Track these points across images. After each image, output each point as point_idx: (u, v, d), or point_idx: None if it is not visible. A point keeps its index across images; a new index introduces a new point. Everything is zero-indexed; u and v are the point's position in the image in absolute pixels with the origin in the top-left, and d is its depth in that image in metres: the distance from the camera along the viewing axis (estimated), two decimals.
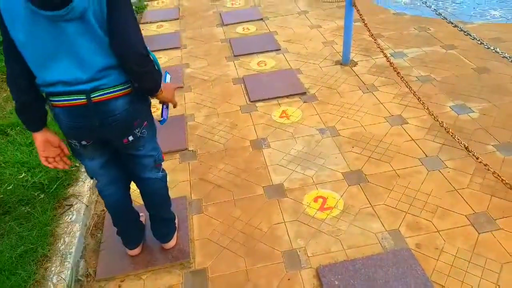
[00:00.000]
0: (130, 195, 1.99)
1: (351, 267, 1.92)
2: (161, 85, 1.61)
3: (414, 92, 2.78)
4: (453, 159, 2.54)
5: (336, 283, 1.86)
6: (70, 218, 2.24)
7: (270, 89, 3.46)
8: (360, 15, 3.39)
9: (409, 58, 3.76)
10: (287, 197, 2.39)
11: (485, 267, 1.89)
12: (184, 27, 4.95)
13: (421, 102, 2.63)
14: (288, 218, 2.24)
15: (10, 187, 2.29)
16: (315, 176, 2.51)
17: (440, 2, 4.93)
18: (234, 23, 4.88)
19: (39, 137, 1.58)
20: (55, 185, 2.37)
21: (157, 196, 1.98)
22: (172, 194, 2.42)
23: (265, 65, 3.91)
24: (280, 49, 4.18)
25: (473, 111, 2.96)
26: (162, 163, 1.93)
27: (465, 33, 2.61)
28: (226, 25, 4.89)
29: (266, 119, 3.10)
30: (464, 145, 2.19)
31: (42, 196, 2.28)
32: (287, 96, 3.35)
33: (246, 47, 4.29)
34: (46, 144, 1.60)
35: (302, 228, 2.17)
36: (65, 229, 2.17)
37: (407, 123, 2.91)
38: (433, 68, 3.56)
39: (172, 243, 2.12)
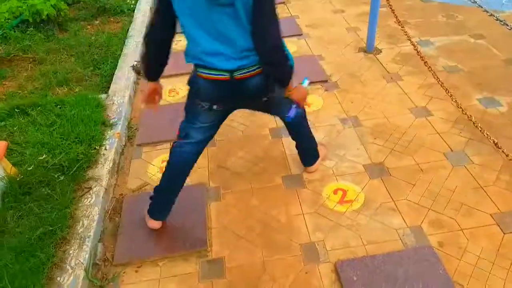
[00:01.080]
0: (192, 164, 2.07)
1: (370, 263, 1.89)
2: (291, 82, 1.79)
3: (441, 83, 2.69)
4: (479, 154, 2.45)
5: (355, 278, 1.83)
6: (89, 201, 2.24)
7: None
8: (387, 0, 3.27)
9: (435, 46, 3.62)
10: (306, 188, 2.35)
11: (510, 270, 1.83)
12: None
13: (449, 94, 2.53)
14: (307, 210, 2.20)
15: (31, 168, 2.30)
16: (335, 168, 2.46)
17: None
18: None
19: (152, 86, 1.89)
20: (75, 167, 2.37)
21: (297, 129, 2.31)
22: (190, 180, 2.41)
23: None
24: (302, 34, 4.08)
25: (502, 105, 2.85)
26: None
27: (502, 22, 2.49)
28: None
29: None
30: (493, 141, 2.10)
31: (62, 178, 2.29)
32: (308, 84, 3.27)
33: None
34: (154, 92, 1.91)
35: (321, 220, 2.14)
36: (84, 211, 2.18)
37: (432, 115, 2.82)
38: (461, 58, 3.42)
39: (315, 167, 2.43)
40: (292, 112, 1.93)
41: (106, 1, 4.75)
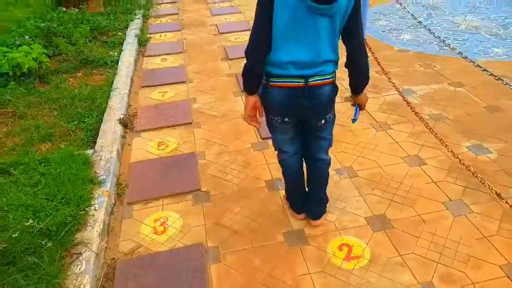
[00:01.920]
0: (302, 165, 2.33)
1: None
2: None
3: (434, 132, 2.73)
4: (478, 203, 2.46)
5: None
6: (79, 269, 2.08)
7: None
8: (373, 53, 3.39)
9: (418, 95, 3.74)
10: (310, 244, 2.26)
11: None
12: (188, 61, 4.91)
13: (444, 144, 2.57)
14: (313, 269, 2.11)
15: (16, 234, 2.13)
16: (337, 221, 2.40)
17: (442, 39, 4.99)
18: (240, 58, 4.85)
19: (252, 100, 1.97)
20: (63, 232, 2.21)
21: (323, 175, 2.34)
22: (186, 240, 2.31)
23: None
24: None
25: (491, 152, 2.92)
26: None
27: (481, 69, 2.60)
28: (231, 59, 4.86)
29: None
30: (496, 192, 2.11)
31: (49, 244, 2.12)
32: None
33: None
34: (254, 106, 1.99)
35: (329, 280, 2.05)
36: (74, 281, 2.01)
37: (426, 163, 2.84)
38: (444, 106, 3.54)
39: (320, 221, 2.39)
40: (357, 114, 2.19)
41: (89, 53, 4.73)
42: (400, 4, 3.23)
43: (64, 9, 5.63)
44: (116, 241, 2.40)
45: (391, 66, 4.34)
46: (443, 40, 2.91)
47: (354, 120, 2.20)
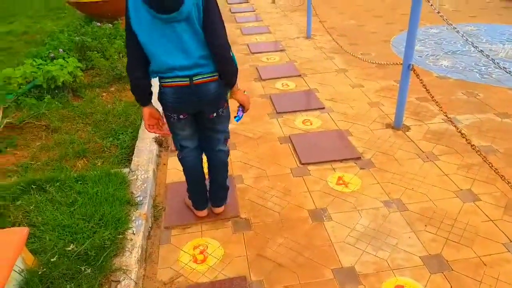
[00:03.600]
0: (202, 161, 2.48)
1: None
2: (237, 84, 2.14)
3: (491, 164, 2.57)
4: None
5: None
6: None
7: (321, 151, 3.26)
8: (417, 75, 3.27)
9: (464, 125, 3.58)
10: (362, 283, 2.10)
11: None
12: None
13: (506, 180, 2.40)
14: None
15: (54, 258, 2.02)
16: (390, 259, 2.24)
17: (483, 67, 4.84)
18: (273, 78, 4.79)
19: (146, 110, 2.14)
20: (102, 257, 2.10)
21: (222, 165, 2.49)
22: (228, 271, 2.19)
23: (311, 124, 3.74)
24: (324, 108, 4.03)
25: None
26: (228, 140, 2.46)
27: None
28: (264, 80, 4.79)
29: (322, 186, 2.87)
30: None
31: (88, 270, 2.00)
32: (340, 161, 3.14)
33: (288, 104, 4.14)
34: (150, 116, 2.16)
35: None
36: None
37: (480, 199, 2.67)
38: (493, 137, 3.36)
39: (221, 209, 2.61)
40: (240, 113, 2.26)
41: (123, 69, 4.70)
42: (453, 26, 3.10)
43: (98, 24, 5.66)
44: (154, 268, 2.27)
45: (432, 93, 4.18)
46: (504, 67, 2.75)
47: (236, 118, 2.27)
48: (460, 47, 5.56)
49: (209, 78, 2.02)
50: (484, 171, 2.92)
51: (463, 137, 2.70)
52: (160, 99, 2.11)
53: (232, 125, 3.77)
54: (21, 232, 1.96)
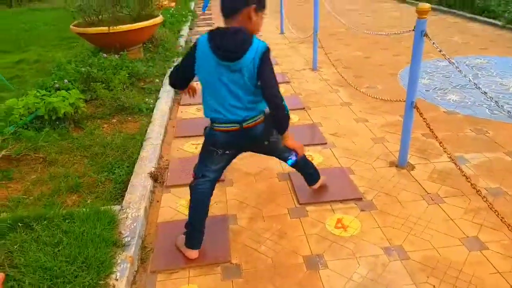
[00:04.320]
0: (211, 196, 2.52)
1: None
2: (288, 131, 2.30)
3: (497, 212, 2.42)
4: None
5: None
6: None
7: (320, 190, 3.13)
8: (421, 113, 3.15)
9: (471, 165, 3.43)
10: None
11: None
12: None
13: (511, 228, 2.24)
14: None
15: None
16: None
17: (493, 102, 4.69)
18: None
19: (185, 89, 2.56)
20: None
21: (302, 164, 2.88)
22: None
23: (312, 159, 3.62)
24: (326, 143, 3.92)
25: None
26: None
27: None
28: None
29: (319, 229, 2.73)
30: None
31: None
32: (341, 201, 3.01)
33: None
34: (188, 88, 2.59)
35: None
36: None
37: (487, 248, 2.50)
38: (502, 179, 3.20)
39: (319, 183, 3.06)
40: (292, 158, 2.46)
41: (125, 100, 4.70)
42: (452, 63, 3.01)
43: (105, 55, 5.72)
44: None
45: (439, 129, 4.05)
46: (502, 105, 2.63)
47: (289, 162, 2.60)
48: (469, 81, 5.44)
49: (257, 121, 2.28)
50: (492, 216, 2.74)
51: (468, 181, 2.56)
52: (210, 138, 2.35)
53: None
54: None
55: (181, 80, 2.38)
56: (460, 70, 2.90)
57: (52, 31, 10.91)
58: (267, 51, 2.09)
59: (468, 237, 2.60)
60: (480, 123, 4.19)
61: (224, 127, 2.25)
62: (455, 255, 2.45)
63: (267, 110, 2.26)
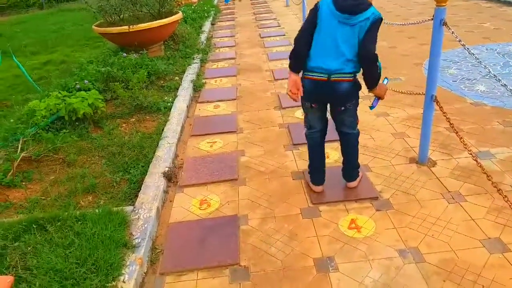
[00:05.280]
0: (324, 142, 2.94)
1: None
2: (378, 83, 2.57)
3: None
4: None
5: None
6: None
7: (335, 189, 3.04)
8: (441, 107, 2.98)
9: (498, 160, 3.24)
10: None
11: None
12: (241, 109, 4.77)
13: None
14: None
15: None
16: None
17: None
18: (293, 107, 4.62)
19: (293, 77, 2.60)
20: None
21: (352, 147, 2.93)
22: None
23: (328, 157, 3.51)
24: None
25: None
26: (357, 125, 2.87)
27: None
28: (284, 108, 4.64)
29: (332, 230, 2.65)
30: None
31: None
32: (355, 200, 2.91)
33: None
34: (294, 83, 2.61)
35: None
36: None
37: (509, 250, 2.35)
38: None
39: (355, 183, 3.02)
40: (375, 103, 2.70)
41: (144, 99, 4.73)
42: (472, 53, 2.82)
43: (124, 54, 5.79)
44: None
45: (465, 123, 3.87)
46: None
47: (371, 107, 2.73)
48: (500, 69, 5.16)
49: (345, 78, 2.48)
50: None
51: (489, 179, 2.40)
52: (302, 87, 2.59)
53: (246, 158, 3.66)
54: (4, 282, 1.91)
55: (305, 44, 2.50)
56: (480, 61, 2.70)
57: (79, 31, 11.20)
58: (379, 20, 2.40)
59: (489, 238, 2.45)
60: (509, 114, 3.95)
61: (312, 76, 2.51)
62: (474, 257, 2.31)
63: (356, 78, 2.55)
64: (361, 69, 2.50)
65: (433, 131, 3.52)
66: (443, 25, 2.82)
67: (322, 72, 2.47)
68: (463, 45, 2.73)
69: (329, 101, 2.68)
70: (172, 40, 7.27)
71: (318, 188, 3.00)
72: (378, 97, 2.65)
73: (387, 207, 2.81)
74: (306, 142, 2.98)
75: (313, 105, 2.68)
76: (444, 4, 2.78)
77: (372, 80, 2.54)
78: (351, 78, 2.49)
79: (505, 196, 2.28)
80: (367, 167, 3.32)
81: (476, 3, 9.43)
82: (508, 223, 2.55)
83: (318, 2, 2.49)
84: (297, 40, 2.55)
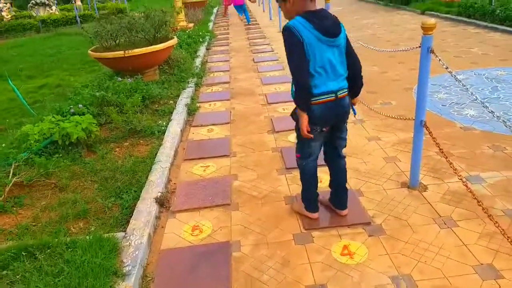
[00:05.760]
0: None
1: None
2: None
3: (507, 236, 2.27)
4: None
5: None
6: None
7: (328, 214, 3.04)
8: (430, 132, 3.02)
9: (488, 184, 3.26)
10: None
11: None
12: (234, 132, 4.80)
13: None
14: None
15: None
16: None
17: (500, 120, 4.51)
18: (286, 130, 4.67)
19: (305, 116, 2.51)
20: None
21: (345, 170, 2.95)
22: None
23: (321, 181, 3.51)
24: None
25: None
26: None
27: None
28: (278, 132, 4.68)
29: (324, 256, 2.64)
30: None
31: None
32: (348, 226, 2.91)
33: None
34: (307, 121, 2.52)
35: None
36: None
37: (503, 277, 2.34)
38: None
39: (347, 211, 3.00)
40: (355, 110, 2.84)
41: (138, 123, 4.76)
42: (459, 81, 2.89)
43: (119, 78, 5.85)
44: None
45: (455, 147, 3.92)
46: (504, 120, 2.51)
47: (355, 113, 2.86)
48: (488, 94, 5.26)
49: (346, 93, 2.58)
50: (508, 242, 2.59)
51: (479, 205, 2.42)
52: (310, 117, 2.52)
53: (239, 182, 3.66)
54: None
55: (308, 78, 2.44)
56: (467, 88, 2.77)
57: (75, 55, 11.31)
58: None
59: (482, 264, 2.45)
60: (498, 139, 4.01)
61: (321, 99, 2.48)
62: (467, 284, 2.31)
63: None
64: (352, 78, 2.60)
65: (424, 155, 3.56)
66: (430, 52, 2.89)
67: (329, 93, 2.49)
68: (450, 72, 2.79)
69: (337, 119, 2.66)
70: (167, 65, 7.35)
71: (315, 215, 2.99)
72: (354, 104, 2.80)
73: (379, 233, 2.81)
74: (301, 173, 2.93)
75: (324, 129, 2.63)
76: (431, 33, 2.87)
77: (361, 86, 2.70)
78: (348, 91, 2.61)
79: (496, 222, 2.30)
80: (359, 191, 3.34)
81: (464, 29, 9.68)
82: (500, 248, 2.56)
83: (291, 31, 2.36)
84: (300, 78, 2.43)
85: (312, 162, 2.84)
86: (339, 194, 2.99)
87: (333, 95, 2.49)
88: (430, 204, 3.07)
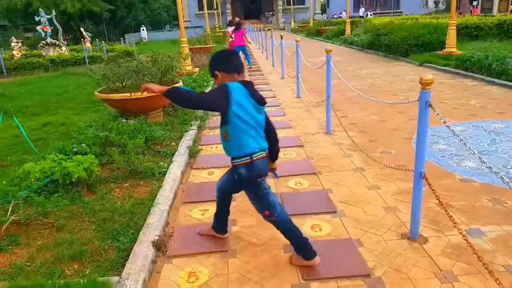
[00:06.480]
0: None
1: None
2: None
3: None
4: None
5: None
6: None
7: (327, 264, 3.00)
8: (429, 184, 3.04)
9: (489, 238, 3.24)
10: None
11: None
12: None
13: None
14: None
15: None
16: None
17: (498, 175, 4.54)
18: (286, 176, 4.68)
19: (161, 88, 2.78)
20: None
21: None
22: None
23: (320, 230, 3.52)
24: (336, 212, 3.82)
25: None
26: None
27: None
28: (279, 176, 4.68)
29: None
30: None
31: None
32: (347, 277, 2.86)
33: (298, 206, 3.98)
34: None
35: None
36: None
37: None
38: None
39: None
40: (276, 173, 3.20)
41: (139, 165, 4.79)
42: (457, 135, 2.95)
43: (124, 120, 5.95)
44: None
45: (454, 199, 3.92)
46: (502, 177, 2.54)
47: (277, 177, 3.28)
48: (487, 146, 5.33)
49: (266, 154, 2.88)
50: None
51: (480, 260, 2.40)
52: (251, 171, 2.78)
53: (237, 227, 3.63)
54: None
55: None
56: (465, 143, 2.83)
57: (82, 94, 11.56)
58: None
59: None
60: (497, 192, 4.02)
61: (260, 155, 2.79)
62: None
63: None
64: (271, 141, 2.91)
65: (424, 206, 3.56)
66: (428, 106, 2.98)
67: (262, 150, 2.80)
68: (447, 126, 2.86)
69: (266, 173, 2.95)
70: (172, 107, 7.51)
71: (317, 261, 2.97)
72: (274, 169, 3.12)
73: (379, 286, 2.76)
74: (281, 227, 3.04)
75: (263, 178, 2.91)
76: (428, 88, 2.96)
77: (278, 151, 3.05)
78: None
79: (497, 278, 2.27)
80: (359, 241, 3.30)
81: (462, 82, 9.94)
82: None
83: (227, 89, 2.64)
84: (198, 105, 2.80)
85: (280, 208, 3.01)
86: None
87: (264, 152, 2.82)
88: (431, 257, 3.03)
